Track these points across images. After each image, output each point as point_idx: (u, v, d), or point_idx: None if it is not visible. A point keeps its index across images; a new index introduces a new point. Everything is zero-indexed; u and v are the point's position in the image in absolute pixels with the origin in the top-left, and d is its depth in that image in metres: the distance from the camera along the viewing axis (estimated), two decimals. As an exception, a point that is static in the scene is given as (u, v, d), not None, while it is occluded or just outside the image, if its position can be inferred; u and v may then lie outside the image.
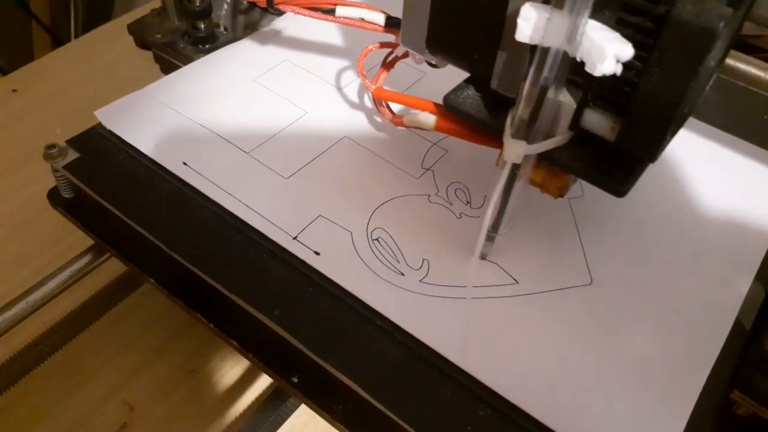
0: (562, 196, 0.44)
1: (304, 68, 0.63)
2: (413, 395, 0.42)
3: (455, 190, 0.53)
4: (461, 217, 0.51)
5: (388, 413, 0.41)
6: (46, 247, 0.66)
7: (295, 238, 0.48)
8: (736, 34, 0.39)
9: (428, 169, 0.54)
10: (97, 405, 0.58)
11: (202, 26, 0.74)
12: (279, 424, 0.56)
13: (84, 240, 0.55)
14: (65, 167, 0.53)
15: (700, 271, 0.49)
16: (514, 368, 0.43)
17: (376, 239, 0.49)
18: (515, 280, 0.47)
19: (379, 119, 0.57)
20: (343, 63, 0.64)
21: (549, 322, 0.45)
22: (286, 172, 0.53)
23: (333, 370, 0.42)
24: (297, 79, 0.62)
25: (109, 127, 0.55)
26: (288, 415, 0.56)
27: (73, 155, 0.53)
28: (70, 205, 0.56)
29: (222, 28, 0.76)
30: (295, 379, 0.46)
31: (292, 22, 0.68)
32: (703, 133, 0.60)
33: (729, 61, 0.63)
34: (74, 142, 0.55)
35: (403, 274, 0.47)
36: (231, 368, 0.61)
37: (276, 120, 0.57)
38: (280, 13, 0.70)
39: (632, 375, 0.43)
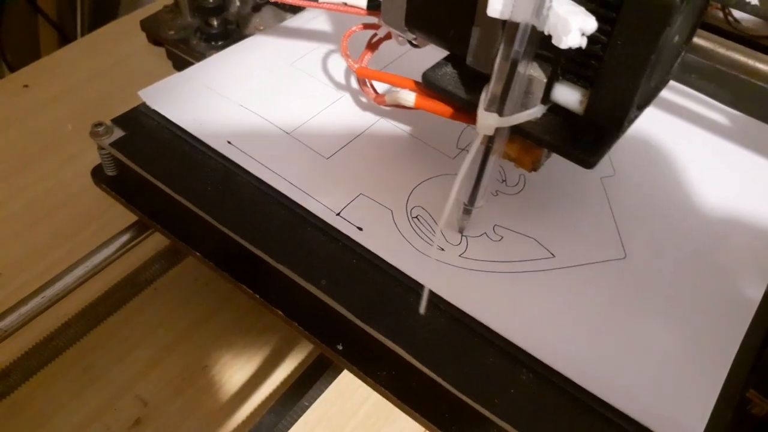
0: (535, 170, 0.45)
1: (336, 54, 0.65)
2: (457, 360, 0.43)
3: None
4: (497, 194, 0.53)
5: (433, 376, 0.42)
6: (58, 243, 0.66)
7: (338, 214, 0.50)
8: (702, 11, 0.40)
9: (463, 149, 0.56)
10: (111, 400, 0.58)
11: (215, 23, 0.75)
12: (293, 422, 0.56)
13: (95, 237, 0.56)
14: (111, 144, 0.54)
15: (722, 265, 0.50)
16: (553, 336, 0.44)
17: (416, 217, 0.50)
18: (552, 254, 0.49)
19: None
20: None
21: (585, 294, 0.47)
22: (326, 152, 0.55)
23: (379, 336, 0.44)
24: (332, 64, 0.64)
25: (153, 106, 0.57)
26: (303, 412, 0.56)
27: (118, 133, 0.55)
28: (113, 182, 0.58)
29: (234, 25, 0.77)
30: (340, 347, 0.47)
31: (308, 20, 0.70)
32: (732, 120, 0.61)
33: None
34: (119, 121, 0.56)
35: (443, 250, 0.49)
36: (245, 364, 0.61)
37: (314, 102, 0.59)
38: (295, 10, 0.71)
39: (661, 350, 0.44)
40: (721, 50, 0.55)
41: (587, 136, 0.40)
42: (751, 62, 0.63)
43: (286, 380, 0.61)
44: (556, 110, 0.40)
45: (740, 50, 0.57)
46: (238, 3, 0.79)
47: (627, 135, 0.42)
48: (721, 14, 0.74)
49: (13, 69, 1.27)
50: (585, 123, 0.39)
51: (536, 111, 0.40)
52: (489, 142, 0.42)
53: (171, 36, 0.78)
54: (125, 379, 0.59)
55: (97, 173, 0.58)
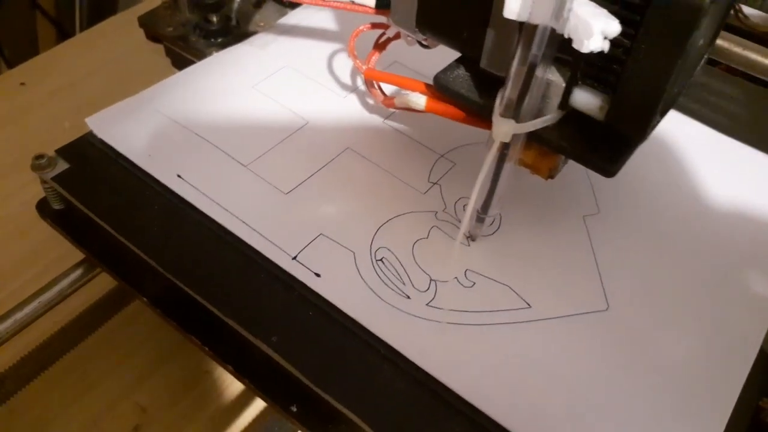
0: (552, 177, 0.44)
1: (305, 74, 0.61)
2: (420, 430, 0.40)
3: (464, 206, 0.51)
4: (470, 235, 0.49)
5: None
6: (56, 243, 0.64)
7: (294, 258, 0.47)
8: (726, 13, 0.39)
9: (435, 183, 0.53)
10: (110, 406, 0.57)
11: (215, 19, 0.74)
12: (295, 429, 0.55)
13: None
14: (54, 178, 0.52)
15: (724, 286, 0.47)
16: (529, 403, 0.41)
17: (380, 259, 0.47)
18: (528, 304, 0.46)
19: (384, 129, 0.56)
20: (346, 69, 0.62)
21: (565, 351, 0.44)
22: (285, 186, 0.52)
23: (335, 403, 0.41)
24: (297, 86, 0.60)
25: (100, 136, 0.54)
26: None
27: (63, 165, 0.52)
28: (60, 216, 0.55)
29: (234, 21, 0.75)
30: (294, 408, 0.44)
31: (302, 19, 0.68)
32: (723, 141, 0.58)
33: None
34: (64, 152, 0.53)
35: (409, 298, 0.45)
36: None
37: (275, 130, 0.56)
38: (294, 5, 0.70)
39: (658, 406, 0.41)
40: (738, 49, 0.54)
41: (607, 143, 0.39)
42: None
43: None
44: (574, 115, 0.39)
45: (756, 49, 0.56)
46: (238, -1, 0.78)
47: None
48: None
49: (10, 64, 1.28)
50: (605, 129, 0.38)
51: (554, 117, 0.39)
52: (504, 148, 0.40)
53: (169, 33, 0.76)
54: (124, 385, 0.59)
55: (43, 207, 0.55)
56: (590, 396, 0.41)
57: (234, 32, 0.75)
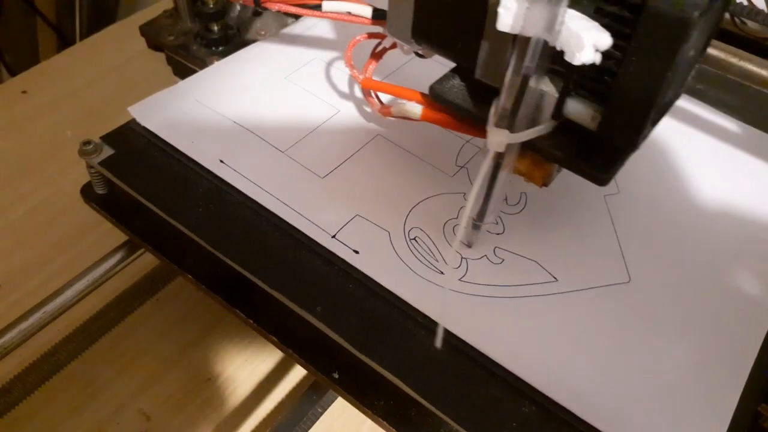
0: (546, 185, 0.44)
1: (334, 66, 0.63)
2: (457, 391, 0.42)
3: None
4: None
5: (432, 409, 0.41)
6: (59, 252, 0.66)
7: (333, 236, 0.49)
8: (718, 23, 0.39)
9: (462, 167, 0.55)
10: (114, 414, 0.58)
11: (216, 28, 0.74)
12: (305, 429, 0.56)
13: (96, 245, 0.55)
14: (101, 163, 0.53)
15: (735, 276, 0.49)
16: (557, 367, 0.43)
17: (414, 238, 0.49)
18: (554, 277, 0.48)
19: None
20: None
21: (588, 321, 0.45)
22: (321, 171, 0.53)
23: (376, 366, 0.43)
24: (327, 77, 0.62)
25: (143, 123, 0.56)
26: (309, 427, 0.55)
27: (108, 151, 0.54)
28: (103, 201, 0.56)
29: (235, 31, 0.76)
30: (336, 375, 0.46)
31: (308, 27, 0.68)
32: (742, 133, 0.60)
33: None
34: (109, 139, 0.55)
35: (442, 273, 0.47)
36: (248, 376, 0.61)
37: (309, 118, 0.58)
38: (295, 17, 0.70)
39: (671, 376, 0.43)
40: (734, 60, 0.54)
41: (600, 152, 0.39)
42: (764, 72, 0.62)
43: (292, 393, 0.60)
44: (567, 125, 0.39)
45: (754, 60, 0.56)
46: (238, 8, 0.78)
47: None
48: (727, 15, 0.73)
49: (11, 70, 1.28)
50: (598, 139, 0.38)
51: (547, 126, 0.39)
52: (499, 157, 0.41)
53: (171, 41, 0.77)
54: (128, 393, 0.59)
55: (87, 191, 0.57)
56: (615, 362, 0.43)
57: (234, 41, 0.76)
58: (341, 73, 0.62)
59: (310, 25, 0.68)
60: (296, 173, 0.53)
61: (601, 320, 0.45)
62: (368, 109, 0.58)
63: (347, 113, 0.59)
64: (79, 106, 0.80)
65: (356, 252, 0.48)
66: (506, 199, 0.52)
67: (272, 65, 0.63)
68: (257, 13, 0.79)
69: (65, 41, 1.30)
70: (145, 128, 0.55)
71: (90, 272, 0.55)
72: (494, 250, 0.49)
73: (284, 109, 0.58)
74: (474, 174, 0.54)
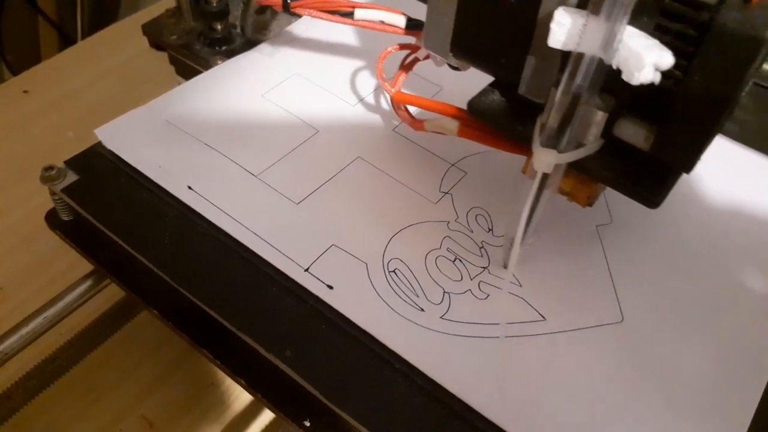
0: (591, 205, 0.43)
1: (315, 83, 0.61)
2: None
3: (476, 216, 0.50)
4: (483, 246, 0.49)
5: None
6: (61, 254, 0.64)
7: (306, 269, 0.46)
8: None
9: (447, 193, 0.52)
10: (116, 420, 0.57)
11: (219, 27, 0.73)
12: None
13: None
14: (63, 190, 0.51)
15: (737, 299, 0.47)
16: (545, 417, 0.40)
17: (393, 270, 0.47)
18: (543, 316, 0.45)
19: (394, 138, 0.55)
20: (355, 77, 0.62)
21: (580, 364, 0.43)
22: (296, 196, 0.51)
23: (349, 419, 0.40)
24: (307, 95, 0.59)
25: (109, 147, 0.53)
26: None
27: (72, 177, 0.51)
28: (69, 227, 0.54)
29: (238, 29, 0.75)
30: (308, 423, 0.43)
31: (306, 28, 0.67)
32: (737, 151, 0.58)
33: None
34: (73, 163, 0.52)
35: (422, 310, 0.45)
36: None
37: (286, 139, 0.55)
38: (297, 16, 0.69)
39: (673, 420, 0.41)
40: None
41: (649, 173, 0.38)
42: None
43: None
44: (615, 144, 0.38)
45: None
46: (241, 7, 0.77)
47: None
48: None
49: (12, 69, 1.27)
50: (647, 159, 0.37)
51: (596, 146, 0.38)
52: (544, 178, 0.39)
53: (174, 41, 0.76)
54: (130, 398, 0.58)
55: (52, 218, 0.54)
56: (605, 409, 0.41)
57: (238, 40, 0.74)
58: (321, 90, 0.60)
59: (300, 30, 0.67)
60: (269, 199, 0.51)
61: (592, 362, 0.43)
62: (394, 138, 0.56)
63: (326, 134, 0.56)
64: (81, 106, 0.79)
65: (330, 287, 0.45)
66: (492, 229, 0.50)
67: (250, 82, 0.61)
68: (261, 12, 0.78)
69: (67, 40, 1.29)
70: (111, 151, 0.53)
71: (93, 275, 0.54)
72: (479, 285, 0.46)
73: (260, 130, 0.56)
74: (459, 201, 0.51)
